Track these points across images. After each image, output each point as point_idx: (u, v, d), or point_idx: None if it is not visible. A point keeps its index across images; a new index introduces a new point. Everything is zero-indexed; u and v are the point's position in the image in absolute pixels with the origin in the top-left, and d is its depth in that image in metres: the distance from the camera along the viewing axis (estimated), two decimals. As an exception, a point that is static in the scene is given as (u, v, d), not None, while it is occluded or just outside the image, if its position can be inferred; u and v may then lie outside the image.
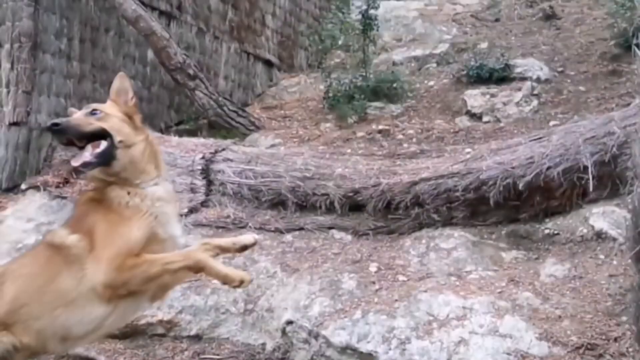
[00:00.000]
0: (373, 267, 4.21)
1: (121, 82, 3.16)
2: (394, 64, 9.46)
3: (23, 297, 2.79)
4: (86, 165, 2.79)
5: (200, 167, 5.54)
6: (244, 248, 3.08)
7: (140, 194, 2.93)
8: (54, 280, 2.78)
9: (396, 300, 3.71)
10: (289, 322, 3.70)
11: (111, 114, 2.97)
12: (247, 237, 3.15)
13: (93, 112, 2.95)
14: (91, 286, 2.73)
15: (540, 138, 4.91)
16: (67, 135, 2.87)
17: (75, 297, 2.76)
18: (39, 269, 2.86)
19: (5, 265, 3.06)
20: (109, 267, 2.70)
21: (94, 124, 2.89)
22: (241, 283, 2.89)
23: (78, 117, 2.93)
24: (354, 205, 4.97)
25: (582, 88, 7.39)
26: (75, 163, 2.79)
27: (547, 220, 4.55)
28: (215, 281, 3.80)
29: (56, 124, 2.81)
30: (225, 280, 2.90)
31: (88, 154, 2.81)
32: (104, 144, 2.86)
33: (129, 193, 2.92)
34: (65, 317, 2.77)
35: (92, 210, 2.90)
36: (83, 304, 2.76)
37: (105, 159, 2.86)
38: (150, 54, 7.75)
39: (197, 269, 2.89)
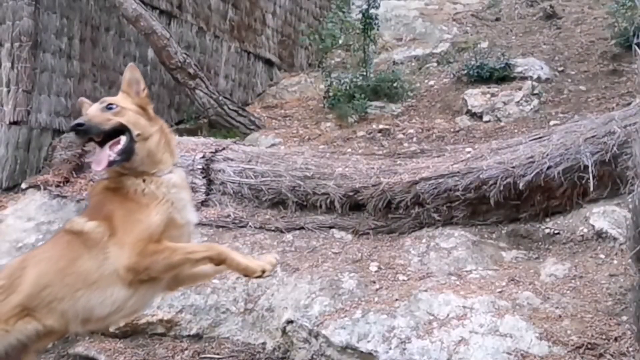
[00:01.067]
0: (373, 267, 4.21)
1: (132, 73, 3.15)
2: (394, 63, 9.47)
3: (45, 279, 2.83)
4: (111, 164, 2.83)
5: (200, 167, 5.53)
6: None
7: (156, 182, 2.97)
8: (75, 262, 2.84)
9: (396, 299, 3.71)
10: (289, 322, 3.70)
11: (127, 108, 2.99)
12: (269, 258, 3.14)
13: (109, 107, 2.96)
14: (114, 269, 2.79)
15: (540, 137, 4.91)
16: (89, 135, 2.90)
17: (96, 279, 2.81)
18: (60, 252, 2.91)
19: (25, 254, 3.11)
20: (132, 251, 2.76)
21: (112, 120, 2.91)
22: (263, 272, 2.93)
23: (96, 113, 2.93)
24: (354, 204, 4.97)
25: (582, 87, 7.39)
26: (99, 166, 2.82)
27: (547, 219, 4.55)
28: (215, 280, 3.81)
29: (80, 124, 2.83)
30: (247, 272, 2.96)
31: (110, 152, 2.83)
32: (123, 140, 2.88)
33: (144, 181, 2.95)
34: (87, 299, 2.81)
35: (108, 199, 2.94)
36: (105, 286, 2.81)
37: (127, 155, 2.89)
38: (150, 53, 7.75)
39: (219, 260, 2.93)
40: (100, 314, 2.86)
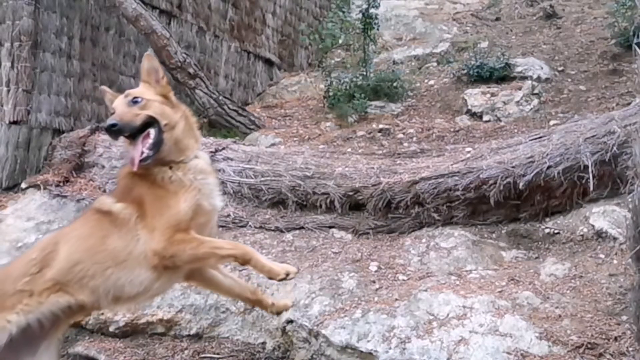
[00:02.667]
0: (373, 266, 4.21)
1: (149, 62, 3.20)
2: (394, 63, 9.47)
3: (76, 256, 2.93)
4: (145, 160, 2.90)
5: (200, 166, 5.52)
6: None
7: (183, 168, 3.04)
8: (105, 241, 2.93)
9: (396, 299, 3.71)
10: (289, 321, 3.69)
11: (151, 99, 3.04)
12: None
13: (134, 100, 3.01)
14: (143, 251, 2.88)
15: (540, 137, 4.91)
16: (123, 134, 2.97)
17: (125, 258, 2.91)
18: (90, 230, 3.00)
19: (56, 231, 3.21)
20: (161, 237, 2.85)
21: (141, 115, 2.97)
22: (287, 275, 3.02)
23: (124, 110, 2.98)
24: (354, 204, 4.97)
25: (582, 87, 7.39)
26: (135, 165, 2.89)
27: (547, 219, 4.55)
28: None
29: (114, 125, 2.89)
30: (271, 275, 3.04)
31: (142, 148, 2.90)
32: (153, 133, 2.95)
33: (170, 168, 3.01)
34: (117, 277, 2.91)
35: (136, 184, 3.00)
36: (132, 266, 2.91)
37: (158, 147, 2.96)
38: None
39: (243, 260, 3.01)
40: (130, 293, 2.95)
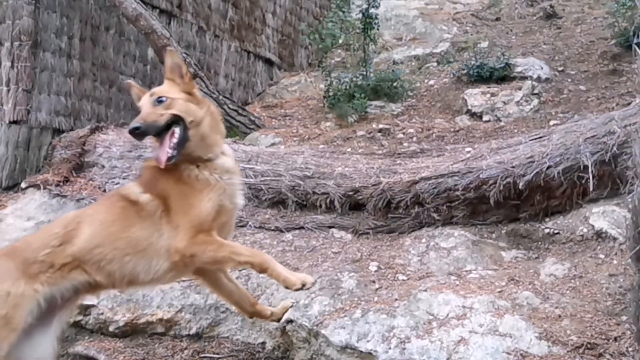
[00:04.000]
0: (373, 266, 4.21)
1: (172, 58, 3.22)
2: (394, 63, 9.47)
3: (97, 239, 3.02)
4: (170, 159, 2.95)
5: (200, 166, 5.52)
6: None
7: (210, 167, 3.10)
8: (127, 229, 3.02)
9: (396, 299, 3.71)
10: (289, 321, 3.69)
11: (176, 97, 3.07)
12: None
13: (159, 100, 3.05)
14: (164, 245, 2.99)
15: (540, 137, 4.90)
16: (147, 136, 3.04)
17: (145, 248, 3.01)
18: (114, 216, 3.08)
19: (79, 210, 3.28)
20: (184, 236, 2.95)
21: (165, 114, 3.01)
22: (303, 286, 3.09)
23: (149, 111, 3.03)
24: (354, 204, 4.97)
25: (582, 87, 7.39)
26: (164, 163, 2.94)
27: (547, 219, 4.54)
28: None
29: (137, 128, 2.95)
30: (287, 284, 3.11)
31: (168, 150, 2.95)
32: (177, 132, 3.00)
33: (198, 166, 3.07)
34: (134, 265, 3.02)
35: (162, 176, 3.06)
36: (151, 256, 3.02)
37: (184, 145, 3.01)
38: (150, 53, 7.74)
39: (260, 269, 3.10)
40: (144, 280, 3.07)
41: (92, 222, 3.09)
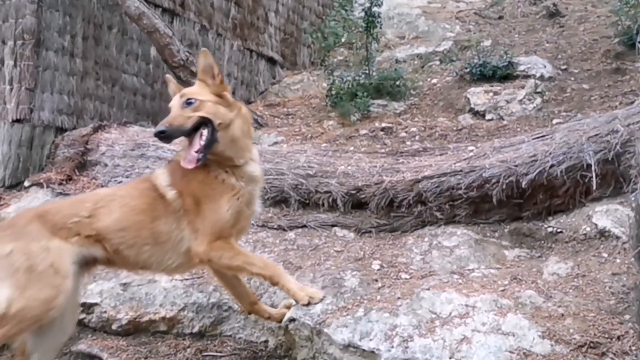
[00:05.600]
0: (376, 265, 4.21)
1: (205, 59, 3.27)
2: (397, 61, 9.46)
3: (124, 223, 3.18)
4: (198, 161, 3.03)
5: (203, 165, 5.52)
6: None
7: (238, 173, 3.21)
8: (153, 222, 3.18)
9: (399, 298, 3.71)
10: (292, 320, 3.69)
11: (205, 100, 3.13)
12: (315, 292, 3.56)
13: (188, 102, 3.11)
14: (187, 247, 3.17)
15: (543, 136, 4.89)
16: (173, 139, 3.15)
17: (164, 242, 3.18)
18: (144, 206, 3.22)
19: (113, 188, 3.48)
20: (204, 240, 3.11)
21: (193, 117, 3.07)
22: (309, 303, 3.32)
23: (177, 114, 3.09)
24: (356, 202, 4.96)
25: (585, 86, 7.37)
26: (190, 165, 3.03)
27: (550, 218, 4.54)
28: (217, 278, 3.81)
29: (162, 132, 3.02)
30: (295, 298, 3.32)
31: (194, 150, 3.03)
32: (205, 134, 3.07)
33: (226, 171, 3.18)
34: (150, 254, 3.20)
35: (190, 173, 3.14)
36: (167, 250, 3.19)
37: (211, 147, 3.08)
38: (153, 51, 7.75)
39: (272, 281, 3.30)
40: (155, 269, 3.29)
41: (123, 206, 3.22)
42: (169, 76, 3.61)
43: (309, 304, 3.32)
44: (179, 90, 3.28)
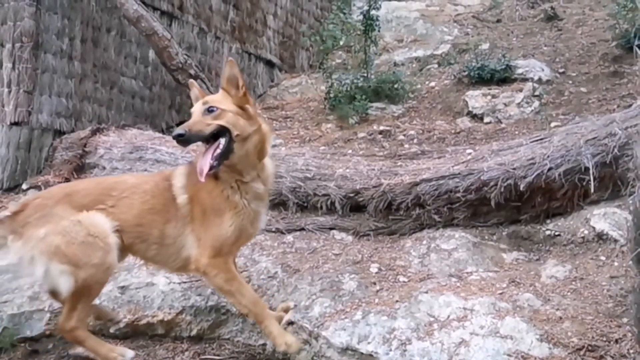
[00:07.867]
0: (374, 268, 4.21)
1: (231, 69, 3.29)
2: (395, 64, 9.48)
3: (140, 220, 3.32)
4: (212, 168, 3.07)
5: (201, 167, 5.52)
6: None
7: (244, 189, 3.27)
8: (165, 223, 3.31)
9: (397, 301, 3.71)
10: (290, 323, 3.69)
11: (226, 110, 3.16)
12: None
13: (210, 110, 3.14)
14: (188, 255, 3.28)
15: (541, 139, 4.90)
16: (191, 143, 3.18)
17: (170, 244, 3.32)
18: (161, 207, 3.34)
19: (138, 178, 3.57)
20: (203, 254, 3.21)
21: (212, 125, 3.10)
22: (285, 351, 3.37)
23: (197, 119, 3.13)
24: (354, 205, 4.96)
25: (583, 89, 7.39)
26: (203, 174, 3.06)
27: (548, 221, 4.54)
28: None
29: (181, 135, 3.05)
30: (274, 342, 3.38)
31: (210, 158, 3.06)
32: (222, 144, 3.10)
33: (232, 187, 3.24)
34: (156, 252, 3.36)
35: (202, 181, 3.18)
36: (171, 252, 3.34)
37: (227, 157, 3.12)
38: (151, 54, 7.76)
39: (256, 321, 3.44)
40: (160, 265, 3.50)
41: (144, 202, 3.33)
42: (192, 81, 3.66)
43: (285, 351, 3.38)
44: (202, 96, 3.30)
